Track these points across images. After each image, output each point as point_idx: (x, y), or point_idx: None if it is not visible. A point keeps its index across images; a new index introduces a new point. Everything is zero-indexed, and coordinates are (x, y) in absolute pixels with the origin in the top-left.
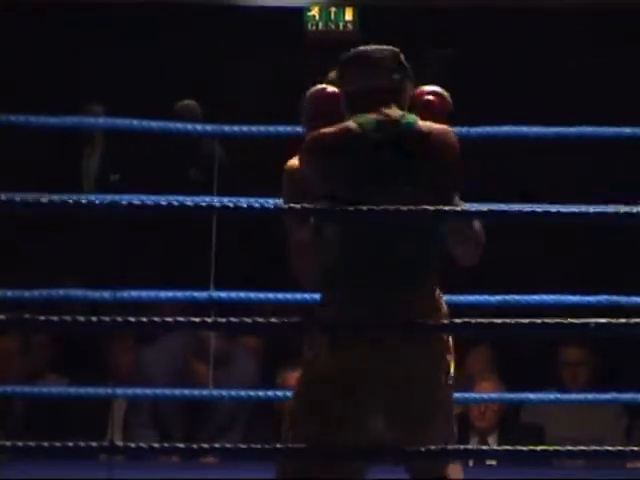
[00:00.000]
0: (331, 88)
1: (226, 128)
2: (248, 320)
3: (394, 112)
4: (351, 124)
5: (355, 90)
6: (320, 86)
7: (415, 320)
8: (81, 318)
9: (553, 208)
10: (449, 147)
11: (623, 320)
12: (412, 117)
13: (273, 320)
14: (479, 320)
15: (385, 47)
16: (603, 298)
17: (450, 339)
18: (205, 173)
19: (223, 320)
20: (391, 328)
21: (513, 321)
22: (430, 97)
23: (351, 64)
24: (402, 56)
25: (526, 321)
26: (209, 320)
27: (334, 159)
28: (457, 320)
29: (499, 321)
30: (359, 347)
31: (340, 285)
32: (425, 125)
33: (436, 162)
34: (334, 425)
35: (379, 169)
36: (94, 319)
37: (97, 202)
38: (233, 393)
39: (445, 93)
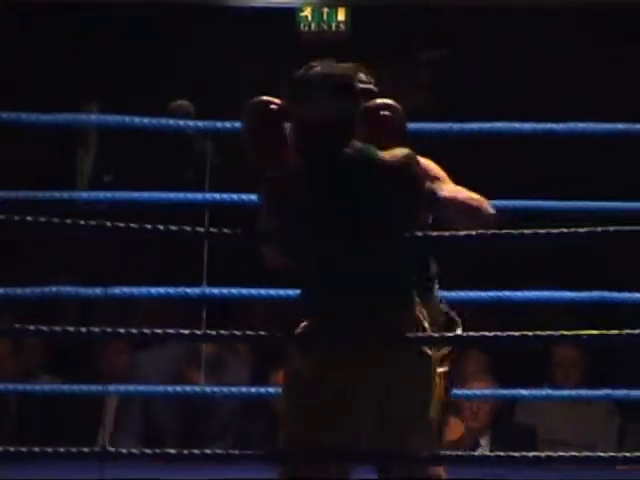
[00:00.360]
0: (274, 103)
1: (218, 124)
2: (238, 333)
3: (352, 146)
4: (304, 165)
5: (302, 119)
6: (262, 99)
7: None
8: (71, 328)
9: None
10: (408, 175)
11: (615, 331)
12: (366, 147)
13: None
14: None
15: (340, 70)
16: (595, 294)
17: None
18: (197, 173)
19: (213, 333)
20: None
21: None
22: (385, 112)
23: (296, 89)
24: (359, 75)
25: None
26: (199, 332)
27: (293, 206)
28: (435, 334)
29: (488, 334)
30: (340, 351)
31: (314, 300)
32: (381, 155)
33: (400, 191)
34: (317, 426)
35: (329, 197)
36: (83, 330)
37: (91, 198)
38: (225, 390)
39: (398, 107)
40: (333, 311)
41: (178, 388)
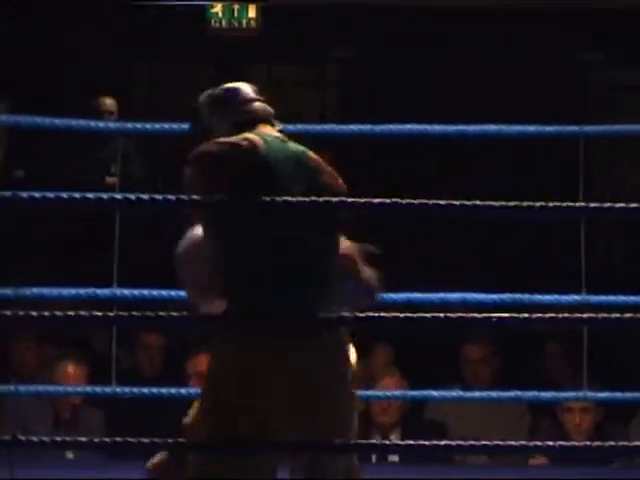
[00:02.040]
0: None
1: (129, 125)
2: (151, 314)
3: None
4: (254, 137)
5: (234, 121)
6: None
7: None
8: None
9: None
10: (339, 185)
11: (525, 315)
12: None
13: (175, 314)
14: (379, 314)
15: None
16: (506, 296)
17: (348, 338)
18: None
19: (125, 314)
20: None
21: (415, 315)
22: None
23: (221, 99)
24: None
25: (428, 316)
26: (111, 315)
27: (238, 166)
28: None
29: (401, 315)
30: (261, 342)
31: (241, 294)
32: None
33: (321, 180)
34: (233, 420)
35: (278, 181)
36: None
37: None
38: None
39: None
40: (252, 296)
41: (97, 389)
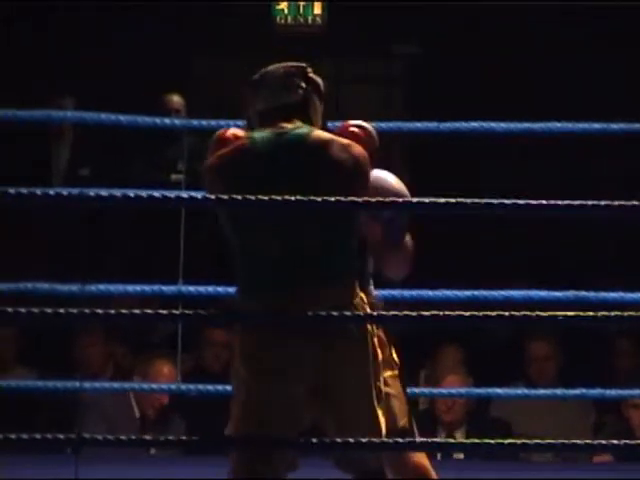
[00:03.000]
0: (232, 132)
1: (194, 122)
2: (215, 311)
3: (292, 124)
4: (243, 141)
5: (263, 108)
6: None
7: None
8: (48, 310)
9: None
10: (349, 158)
11: (590, 313)
12: (307, 128)
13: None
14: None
15: (292, 64)
16: (571, 294)
17: (376, 330)
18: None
19: (190, 312)
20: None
21: (481, 314)
22: (355, 130)
23: (258, 84)
24: (310, 70)
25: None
26: (176, 312)
27: (228, 177)
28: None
29: (465, 314)
30: (279, 334)
31: (247, 282)
32: (324, 135)
33: (332, 171)
34: (265, 416)
35: (267, 179)
36: (62, 311)
37: (65, 194)
38: (200, 387)
39: (371, 129)
40: (272, 290)
41: (154, 385)
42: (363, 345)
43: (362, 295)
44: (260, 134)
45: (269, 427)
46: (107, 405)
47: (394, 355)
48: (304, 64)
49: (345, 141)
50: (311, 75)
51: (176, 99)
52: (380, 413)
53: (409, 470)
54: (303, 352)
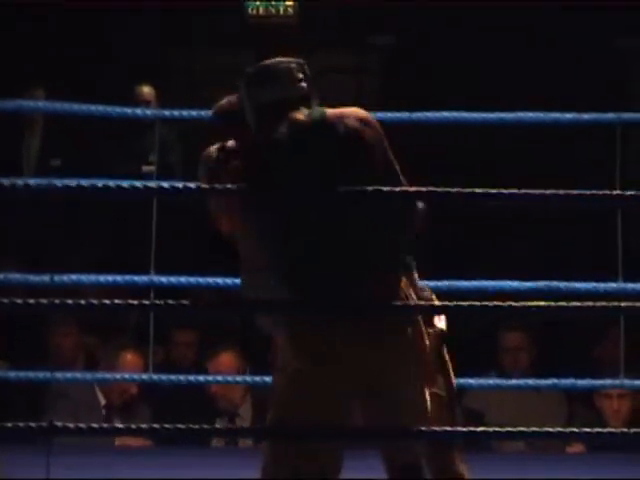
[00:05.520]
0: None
1: (166, 113)
2: (185, 302)
3: (301, 112)
4: (261, 138)
5: (266, 101)
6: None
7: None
8: (19, 300)
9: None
10: (367, 125)
11: (563, 303)
12: (319, 110)
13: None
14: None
15: (289, 59)
16: (542, 284)
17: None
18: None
19: (161, 302)
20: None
21: (453, 304)
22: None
23: (257, 77)
24: (306, 67)
25: (465, 304)
26: (148, 302)
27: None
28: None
29: (445, 304)
30: (324, 332)
31: (286, 274)
32: (335, 111)
33: (360, 144)
34: (311, 413)
35: (302, 169)
36: (32, 301)
37: (35, 185)
38: (172, 377)
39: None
40: (315, 288)
41: (126, 375)
42: (411, 338)
43: (408, 285)
44: (277, 130)
45: (314, 418)
46: (74, 394)
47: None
48: (301, 60)
49: (354, 110)
50: (308, 71)
51: (146, 90)
52: (425, 406)
53: (448, 475)
54: (351, 343)
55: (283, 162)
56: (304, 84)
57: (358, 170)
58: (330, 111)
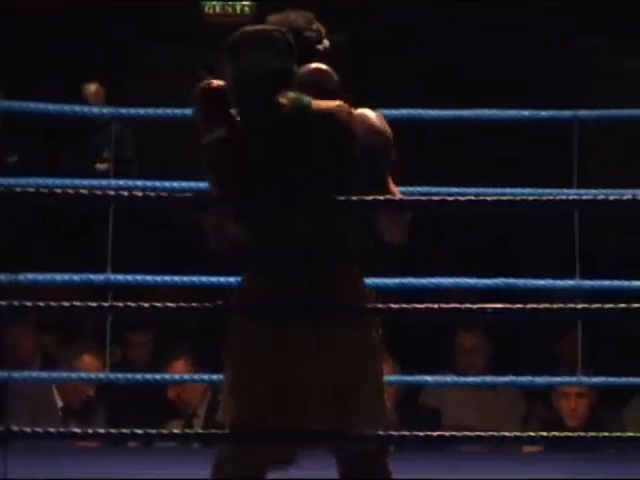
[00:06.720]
0: (216, 83)
1: (122, 111)
2: (145, 305)
3: (286, 96)
4: (241, 122)
5: (244, 74)
6: (205, 83)
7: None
8: None
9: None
10: (345, 122)
11: (520, 305)
12: (306, 99)
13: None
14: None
15: (272, 27)
16: (500, 281)
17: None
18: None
19: (119, 304)
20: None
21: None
22: (317, 75)
23: (238, 46)
24: (290, 36)
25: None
26: (106, 304)
27: (233, 162)
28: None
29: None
30: (279, 329)
31: (255, 274)
32: (320, 104)
33: (342, 143)
34: (259, 409)
35: (278, 158)
36: None
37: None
38: (129, 376)
39: (329, 69)
40: (280, 278)
41: (83, 375)
42: (367, 333)
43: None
44: (256, 103)
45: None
46: (31, 395)
47: None
48: (283, 29)
49: (335, 105)
50: (292, 42)
51: (93, 88)
52: (384, 402)
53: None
54: (303, 338)
55: (263, 157)
56: (286, 56)
57: (337, 169)
58: (315, 104)
